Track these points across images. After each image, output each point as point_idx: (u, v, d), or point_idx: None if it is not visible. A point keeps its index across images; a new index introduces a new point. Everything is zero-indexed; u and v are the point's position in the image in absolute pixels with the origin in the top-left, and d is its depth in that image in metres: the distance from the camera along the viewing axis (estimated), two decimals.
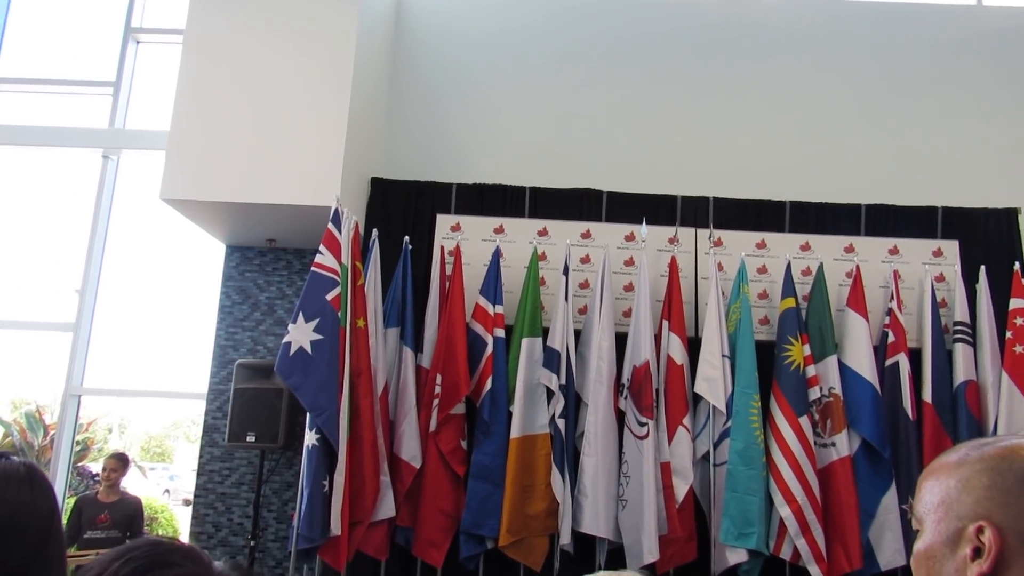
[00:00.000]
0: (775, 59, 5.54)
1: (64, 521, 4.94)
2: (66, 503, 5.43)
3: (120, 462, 4.90)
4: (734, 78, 5.52)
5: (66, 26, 6.22)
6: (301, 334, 4.00)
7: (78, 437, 6.57)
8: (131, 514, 4.83)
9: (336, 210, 4.23)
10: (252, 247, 5.30)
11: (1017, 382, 4.41)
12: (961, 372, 4.56)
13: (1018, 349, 4.46)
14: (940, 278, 4.86)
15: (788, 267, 4.69)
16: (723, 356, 4.49)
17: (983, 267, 4.75)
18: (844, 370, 4.55)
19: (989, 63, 5.47)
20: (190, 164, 4.54)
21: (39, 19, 6.23)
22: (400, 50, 5.65)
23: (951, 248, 4.94)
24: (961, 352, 4.60)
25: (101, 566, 1.00)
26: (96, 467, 5.49)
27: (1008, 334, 4.51)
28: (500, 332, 4.60)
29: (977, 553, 0.96)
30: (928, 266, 4.83)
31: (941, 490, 1.02)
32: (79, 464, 7.76)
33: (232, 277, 5.29)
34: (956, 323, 4.67)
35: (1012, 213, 5.02)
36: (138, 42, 5.99)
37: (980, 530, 0.96)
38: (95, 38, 6.10)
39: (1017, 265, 4.70)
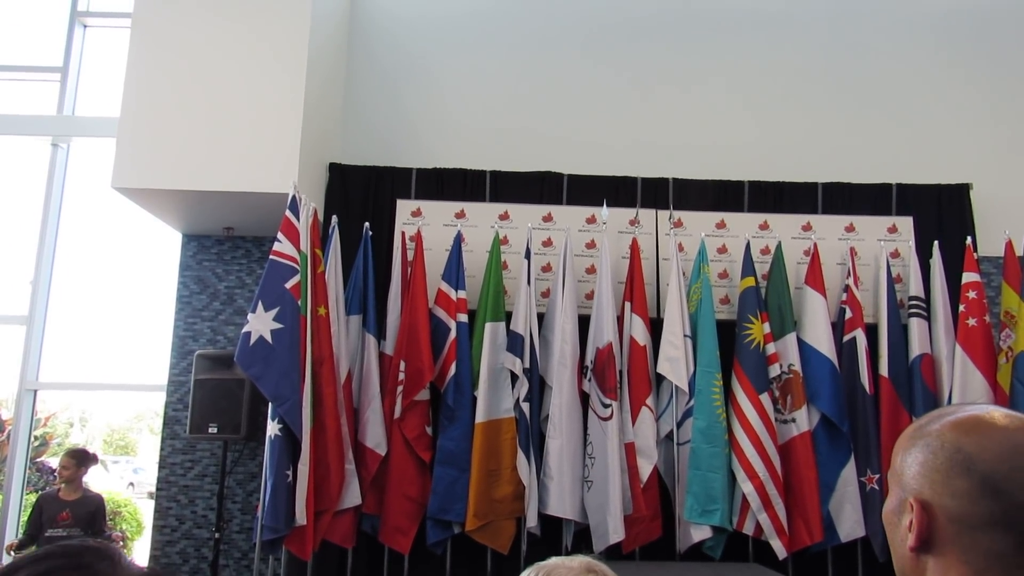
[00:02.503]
0: (731, 39, 5.55)
1: (25, 520, 4.88)
2: (25, 500, 5.33)
3: (74, 459, 4.79)
4: (691, 59, 5.53)
5: (10, 10, 6.02)
6: (261, 323, 3.94)
7: (36, 432, 6.43)
8: (93, 511, 4.74)
9: (294, 197, 4.17)
10: (209, 236, 5.21)
11: (970, 354, 4.51)
12: (916, 346, 4.66)
13: (971, 322, 4.55)
14: (895, 254, 4.94)
15: (747, 246, 4.74)
16: (685, 336, 4.54)
17: (936, 242, 4.84)
18: (803, 347, 4.62)
19: (941, 40, 5.55)
20: (142, 151, 4.43)
21: None
22: (356, 34, 5.56)
23: (905, 224, 5.03)
24: (916, 326, 4.69)
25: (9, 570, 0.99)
26: (56, 462, 5.38)
27: (961, 307, 4.61)
28: (463, 317, 4.58)
29: (912, 526, 0.98)
30: (883, 242, 4.91)
31: (896, 459, 1.05)
32: (38, 460, 7.60)
33: (189, 266, 5.20)
34: (911, 298, 4.76)
35: (964, 189, 5.12)
36: (85, 26, 5.82)
37: (911, 505, 0.98)
38: (41, 22, 5.91)
39: (969, 240, 4.80)
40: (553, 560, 1.21)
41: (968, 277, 4.66)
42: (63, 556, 1.01)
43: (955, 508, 0.95)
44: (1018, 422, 0.97)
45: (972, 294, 4.61)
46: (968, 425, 0.98)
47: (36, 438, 6.77)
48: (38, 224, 5.49)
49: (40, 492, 4.90)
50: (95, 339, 5.76)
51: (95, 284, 5.75)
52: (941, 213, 5.09)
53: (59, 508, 4.70)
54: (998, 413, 0.99)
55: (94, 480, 5.26)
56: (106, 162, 4.49)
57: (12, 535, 5.12)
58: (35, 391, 5.44)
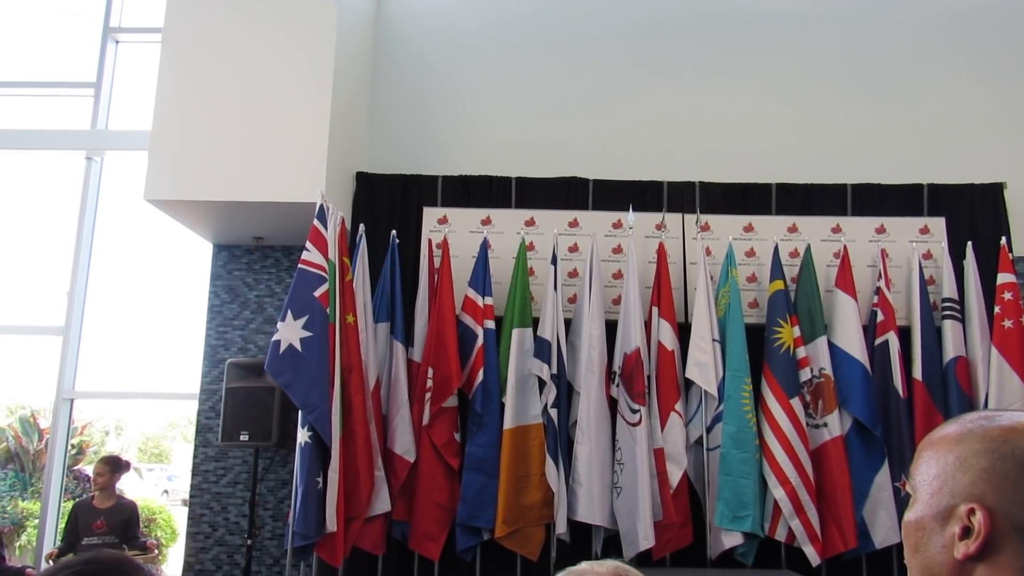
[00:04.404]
0: (756, 42, 5.51)
1: (63, 528, 4.96)
2: (62, 508, 5.42)
3: (107, 466, 4.86)
4: (716, 62, 5.50)
5: (44, 28, 6.16)
6: (290, 332, 3.99)
7: (73, 440, 6.54)
8: (127, 519, 4.81)
9: (321, 206, 4.21)
10: (239, 245, 5.28)
11: (1006, 356, 4.42)
12: (951, 348, 4.57)
13: (1006, 324, 4.47)
14: (927, 255, 4.87)
15: (776, 249, 4.69)
16: (713, 340, 4.50)
17: (970, 243, 4.75)
18: (834, 350, 4.56)
19: (972, 38, 5.46)
20: (173, 164, 4.51)
21: (16, 21, 6.16)
22: (381, 44, 5.61)
23: (938, 225, 4.95)
24: (950, 328, 4.61)
25: None
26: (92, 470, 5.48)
27: (996, 309, 4.52)
28: (490, 323, 4.59)
29: (966, 533, 0.95)
30: (915, 244, 4.83)
31: (939, 464, 1.01)
32: (75, 468, 7.74)
33: (220, 276, 5.27)
34: (944, 300, 4.69)
35: (997, 188, 5.02)
36: (117, 42, 5.94)
37: (972, 511, 0.95)
38: (74, 39, 6.04)
39: (1003, 240, 4.71)
40: (583, 565, 1.20)
41: (1003, 278, 4.57)
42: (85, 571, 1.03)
43: (1021, 515, 0.93)
44: None
45: (1008, 295, 4.52)
46: (1021, 428, 0.97)
47: (73, 446, 6.90)
48: (73, 236, 5.61)
49: (75, 500, 4.98)
50: (129, 349, 5.86)
51: (129, 295, 5.86)
52: (974, 213, 4.99)
53: (94, 516, 4.77)
54: None
55: (129, 488, 5.35)
56: (138, 175, 4.58)
57: (51, 542, 5.22)
58: (72, 400, 5.54)
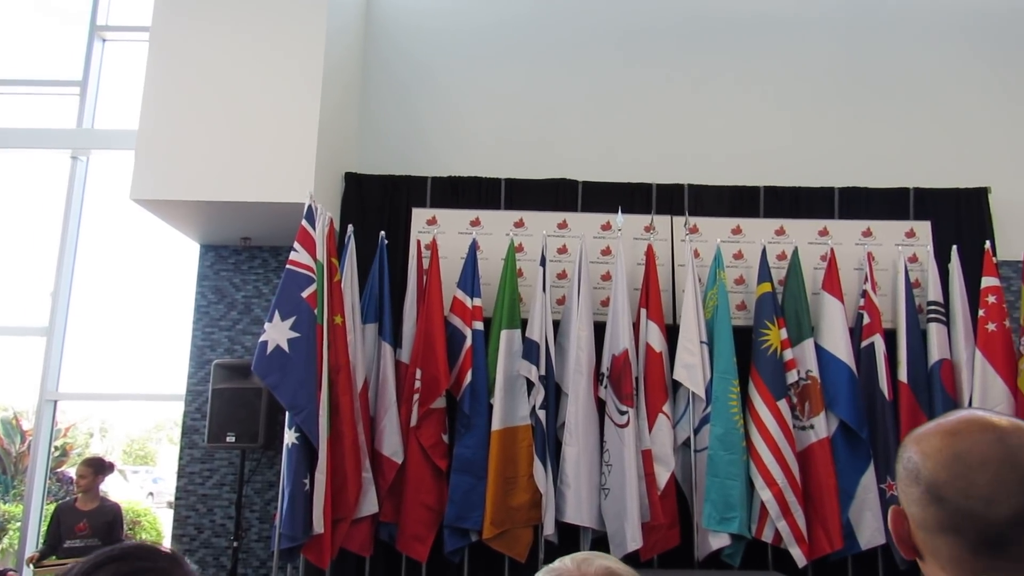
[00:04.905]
0: (745, 45, 5.54)
1: (44, 530, 4.91)
2: (46, 511, 5.37)
3: (90, 468, 4.81)
4: (705, 65, 5.52)
5: (30, 25, 6.11)
6: (278, 332, 3.97)
7: (57, 443, 6.49)
8: (110, 521, 4.76)
9: (310, 206, 4.20)
10: (227, 246, 5.25)
11: (990, 359, 4.46)
12: (935, 351, 4.61)
13: (990, 327, 4.51)
14: (913, 259, 4.91)
15: (763, 252, 4.72)
16: (701, 342, 4.51)
17: (955, 247, 4.80)
18: (821, 353, 4.59)
19: (957, 43, 5.51)
20: (160, 163, 4.48)
21: (2, 19, 6.11)
22: (371, 44, 5.60)
23: (923, 229, 4.99)
24: (935, 331, 4.65)
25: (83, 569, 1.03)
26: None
27: (980, 312, 4.56)
28: (479, 325, 4.59)
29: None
30: (901, 247, 4.87)
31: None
32: (58, 470, 7.67)
33: (207, 276, 5.24)
34: (930, 303, 4.72)
35: (982, 192, 5.07)
36: (104, 40, 5.90)
37: (896, 514, 1.02)
38: (60, 37, 6.00)
39: (988, 244, 4.75)
40: (568, 562, 1.19)
41: (987, 282, 4.61)
42: (144, 558, 1.11)
43: (916, 515, 0.97)
44: (970, 428, 0.97)
45: (991, 299, 4.56)
46: (921, 434, 1.01)
47: (56, 448, 6.84)
48: (58, 236, 5.56)
49: (58, 503, 4.93)
50: (114, 350, 5.82)
51: (114, 295, 5.81)
52: (959, 217, 5.04)
53: (76, 519, 4.72)
54: (961, 420, 1.00)
55: (114, 490, 5.30)
56: (125, 174, 4.55)
57: (33, 545, 5.17)
58: (55, 402, 5.49)
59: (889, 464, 4.42)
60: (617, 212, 4.81)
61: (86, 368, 5.61)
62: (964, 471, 0.93)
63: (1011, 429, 0.95)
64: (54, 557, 4.62)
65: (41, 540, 5.04)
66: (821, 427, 4.44)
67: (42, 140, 5.67)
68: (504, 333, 4.57)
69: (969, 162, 5.24)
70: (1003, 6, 5.55)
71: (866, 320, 4.63)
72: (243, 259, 5.25)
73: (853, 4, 5.61)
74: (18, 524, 5.81)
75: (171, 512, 5.04)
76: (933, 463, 0.96)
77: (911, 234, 4.98)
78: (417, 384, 4.44)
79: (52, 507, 5.09)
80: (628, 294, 4.62)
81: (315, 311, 4.07)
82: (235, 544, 4.68)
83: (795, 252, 4.78)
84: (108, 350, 5.79)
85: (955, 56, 5.50)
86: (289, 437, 3.95)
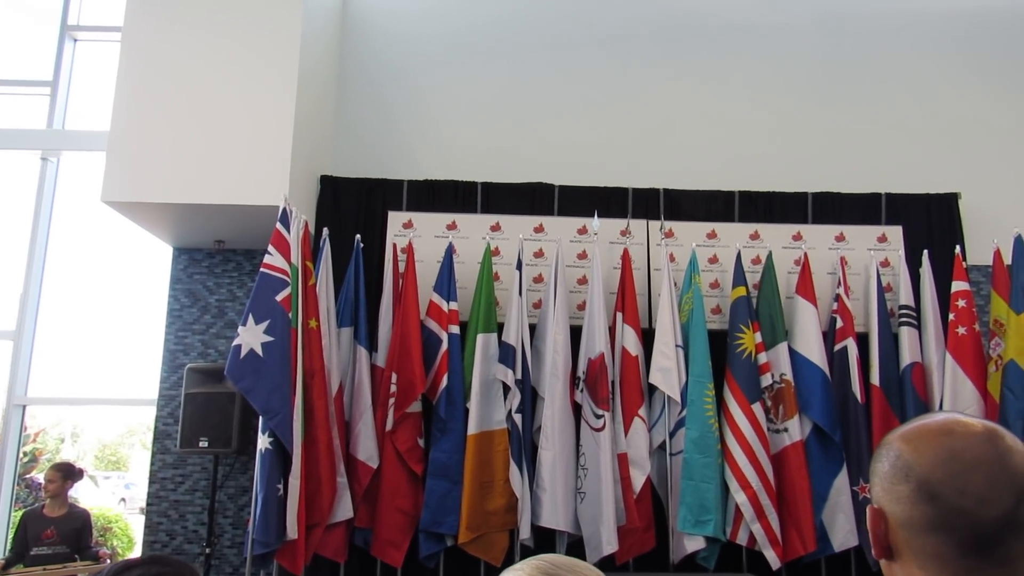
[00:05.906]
0: (720, 51, 5.59)
1: (11, 537, 4.82)
2: (14, 518, 5.27)
3: (59, 473, 4.73)
4: (681, 71, 5.56)
5: (0, 24, 6.01)
6: (251, 336, 3.93)
7: (25, 448, 6.38)
8: (79, 528, 4.69)
9: (284, 209, 4.16)
10: (200, 249, 5.19)
11: (960, 362, 4.52)
12: (907, 355, 4.66)
13: (961, 331, 4.56)
14: (885, 263, 4.96)
15: (738, 256, 4.75)
16: (677, 346, 4.53)
17: (926, 251, 4.86)
18: (795, 356, 4.62)
19: (929, 50, 5.59)
20: (132, 165, 4.42)
21: None
22: (347, 47, 5.58)
23: (895, 233, 5.05)
24: (907, 335, 4.70)
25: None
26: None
27: (951, 316, 4.62)
28: (455, 329, 4.58)
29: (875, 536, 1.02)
30: (873, 252, 4.93)
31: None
32: (27, 476, 7.53)
33: (180, 280, 5.18)
34: (901, 307, 4.78)
35: (953, 198, 5.14)
36: (75, 40, 5.82)
37: (874, 513, 1.02)
38: (31, 36, 5.91)
39: (958, 249, 4.82)
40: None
41: (957, 286, 4.67)
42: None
43: (900, 513, 0.97)
44: (961, 428, 0.98)
45: (961, 303, 4.62)
46: (910, 433, 1.02)
47: (25, 454, 6.72)
48: (27, 238, 5.47)
49: (26, 509, 4.84)
50: (85, 353, 5.73)
51: (85, 298, 5.72)
52: (930, 222, 5.11)
53: (44, 526, 4.64)
54: (948, 420, 1.01)
55: (85, 496, 5.21)
56: (96, 176, 4.48)
57: (0, 552, 5.07)
58: (24, 406, 5.40)
59: (862, 467, 4.46)
60: (593, 216, 4.83)
61: (56, 372, 5.52)
62: (960, 470, 0.94)
63: (998, 432, 0.97)
64: (21, 565, 4.54)
65: (8, 547, 4.95)
66: (795, 430, 4.47)
67: (12, 140, 5.58)
68: (480, 337, 4.57)
69: (939, 168, 5.31)
70: (974, 14, 5.64)
71: (839, 324, 4.68)
72: (217, 262, 5.20)
73: (827, 12, 5.68)
74: None
75: (143, 518, 4.98)
76: (928, 460, 0.96)
77: (883, 239, 5.04)
78: (393, 388, 4.42)
79: (20, 514, 5.01)
80: (604, 298, 4.63)
81: (289, 315, 4.04)
82: (208, 550, 4.62)
83: (769, 256, 4.82)
84: (79, 354, 5.70)
85: (926, 64, 5.58)
86: (263, 442, 3.91)
